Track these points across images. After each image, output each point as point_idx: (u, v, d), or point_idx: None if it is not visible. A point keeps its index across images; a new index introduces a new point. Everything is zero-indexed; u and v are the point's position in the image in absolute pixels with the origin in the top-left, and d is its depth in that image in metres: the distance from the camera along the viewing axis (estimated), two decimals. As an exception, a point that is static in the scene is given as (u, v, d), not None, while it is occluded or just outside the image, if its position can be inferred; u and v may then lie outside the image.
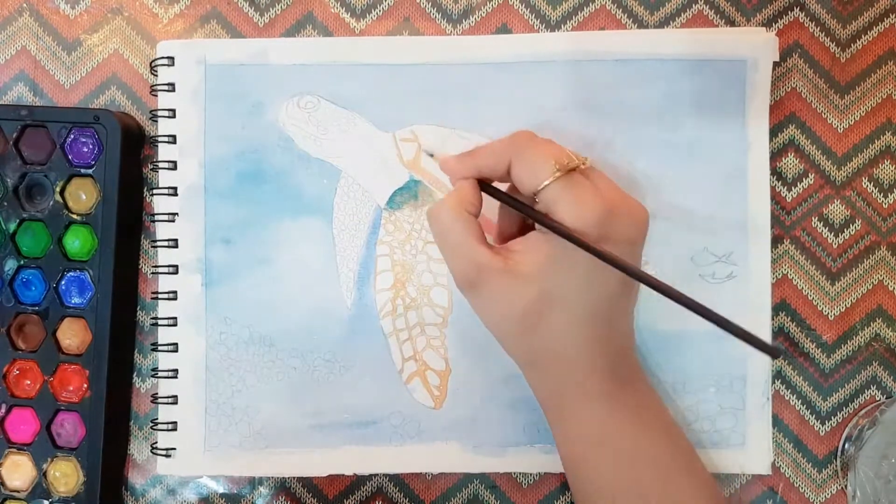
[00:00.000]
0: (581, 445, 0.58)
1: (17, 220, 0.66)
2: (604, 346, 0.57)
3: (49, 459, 0.66)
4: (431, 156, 0.65)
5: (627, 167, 0.65)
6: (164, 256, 0.67)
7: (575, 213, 0.53)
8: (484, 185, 0.58)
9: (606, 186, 0.56)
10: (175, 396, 0.67)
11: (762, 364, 0.65)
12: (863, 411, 0.67)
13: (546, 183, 0.54)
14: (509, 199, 0.58)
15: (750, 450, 0.66)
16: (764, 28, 0.67)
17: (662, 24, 0.67)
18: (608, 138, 0.66)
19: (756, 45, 0.65)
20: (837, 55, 0.67)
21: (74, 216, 0.66)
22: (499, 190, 0.58)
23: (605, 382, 0.57)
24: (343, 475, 0.68)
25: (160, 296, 0.67)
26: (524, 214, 0.57)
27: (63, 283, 0.67)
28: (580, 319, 0.56)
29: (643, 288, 0.53)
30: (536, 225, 0.57)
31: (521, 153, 0.56)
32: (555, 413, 0.59)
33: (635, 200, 0.57)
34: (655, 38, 0.66)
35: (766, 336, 0.65)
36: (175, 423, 0.67)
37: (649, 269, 0.65)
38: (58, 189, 0.66)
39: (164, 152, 0.66)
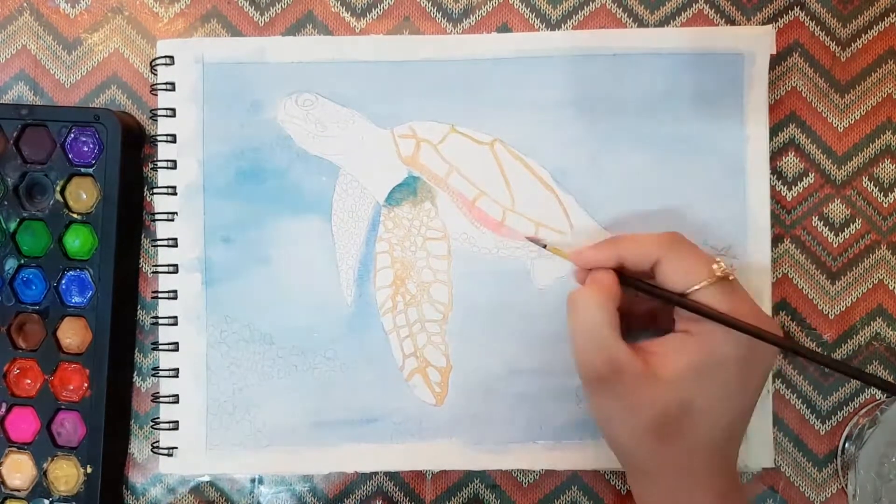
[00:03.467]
0: None
1: (18, 220, 0.66)
2: (727, 463, 0.56)
3: (49, 459, 0.66)
4: (544, 246, 0.65)
5: (626, 160, 0.66)
6: (165, 255, 0.67)
7: (741, 315, 0.53)
8: (624, 277, 0.58)
9: (751, 301, 0.56)
10: (176, 395, 0.66)
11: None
12: (863, 410, 0.67)
13: (702, 285, 0.53)
14: (662, 292, 0.56)
15: (752, 444, 0.66)
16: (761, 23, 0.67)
17: (663, 23, 0.67)
18: (607, 133, 0.66)
19: (753, 38, 0.65)
20: (838, 54, 0.67)
21: (75, 215, 0.66)
22: (646, 282, 0.57)
23: (716, 499, 0.55)
24: (344, 473, 0.68)
25: (160, 295, 0.67)
26: (682, 306, 0.55)
27: (63, 282, 0.67)
28: (718, 434, 0.55)
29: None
30: (676, 327, 0.56)
31: (674, 251, 0.55)
32: None
33: (769, 318, 0.57)
34: (653, 33, 0.67)
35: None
36: (176, 422, 0.67)
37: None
38: (58, 188, 0.66)
39: (164, 151, 0.66)
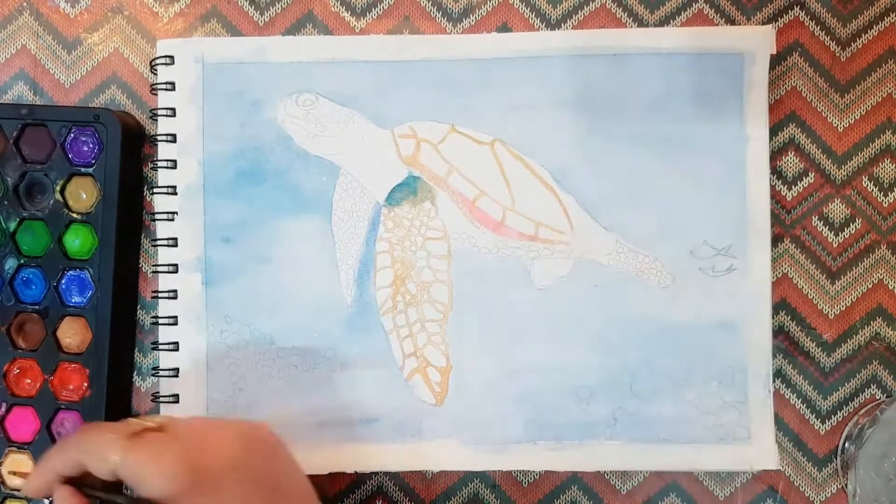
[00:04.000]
0: None
1: (18, 219, 0.67)
2: None
3: (49, 458, 0.66)
4: None
5: (626, 160, 0.66)
6: (165, 255, 0.67)
7: (158, 474, 0.50)
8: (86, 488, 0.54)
9: (190, 428, 0.53)
10: (176, 395, 0.66)
11: (763, 356, 0.66)
12: (863, 410, 0.67)
13: (116, 459, 0.50)
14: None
15: (755, 444, 0.66)
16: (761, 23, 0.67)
17: (662, 22, 0.67)
18: (607, 133, 0.66)
19: (753, 38, 0.65)
20: (838, 54, 0.67)
21: (75, 215, 0.66)
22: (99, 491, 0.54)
23: None
24: (344, 473, 0.68)
25: (160, 295, 0.67)
26: None
27: (63, 281, 0.67)
28: None
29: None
30: None
31: (81, 443, 0.51)
32: None
33: (222, 426, 0.55)
34: (653, 33, 0.67)
35: (765, 330, 0.66)
36: (176, 421, 0.67)
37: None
38: (58, 188, 0.66)
39: (164, 151, 0.66)
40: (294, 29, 0.68)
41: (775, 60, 0.66)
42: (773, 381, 0.66)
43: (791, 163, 0.67)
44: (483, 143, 0.66)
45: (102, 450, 0.50)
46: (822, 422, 0.67)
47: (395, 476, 0.68)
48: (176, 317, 0.67)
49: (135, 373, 0.69)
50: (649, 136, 0.66)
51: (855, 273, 0.67)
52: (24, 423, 0.67)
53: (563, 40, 0.66)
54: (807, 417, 0.67)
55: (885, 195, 0.67)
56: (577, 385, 0.66)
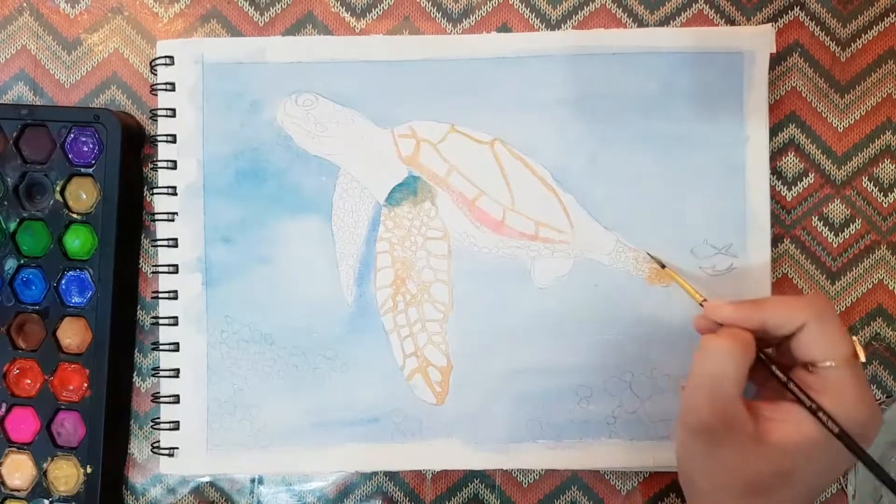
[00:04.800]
0: None
1: (18, 220, 0.67)
2: None
3: (49, 459, 0.66)
4: (663, 266, 0.65)
5: (626, 160, 0.66)
6: (165, 256, 0.67)
7: (852, 408, 0.51)
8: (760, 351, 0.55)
9: (866, 386, 0.54)
10: (177, 395, 0.66)
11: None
12: (863, 410, 0.67)
13: (834, 363, 0.52)
14: (791, 385, 0.53)
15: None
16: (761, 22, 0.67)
17: (662, 23, 0.67)
18: (607, 132, 0.66)
19: (753, 38, 0.65)
20: (837, 54, 0.67)
21: (74, 215, 0.66)
22: (779, 367, 0.54)
23: None
24: (344, 473, 0.68)
25: (160, 295, 0.67)
26: (799, 402, 0.53)
27: (63, 282, 0.67)
28: (802, 501, 0.54)
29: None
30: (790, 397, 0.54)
31: (819, 320, 0.52)
32: None
33: (877, 404, 0.55)
34: (653, 33, 0.67)
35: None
36: (177, 422, 0.67)
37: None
38: (58, 188, 0.66)
39: (164, 151, 0.66)
40: (294, 29, 0.68)
41: (775, 61, 0.66)
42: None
43: (791, 163, 0.67)
44: (483, 143, 0.66)
45: (832, 343, 0.52)
46: (823, 422, 0.67)
47: (394, 476, 0.68)
48: (176, 317, 0.67)
49: (135, 373, 0.69)
50: (649, 136, 0.66)
51: (855, 273, 0.67)
52: (23, 424, 0.67)
53: (562, 40, 0.66)
54: (807, 417, 0.67)
55: (885, 195, 0.67)
56: (577, 384, 0.66)
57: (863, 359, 0.52)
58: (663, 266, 0.64)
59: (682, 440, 0.55)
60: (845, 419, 0.51)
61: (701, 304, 0.58)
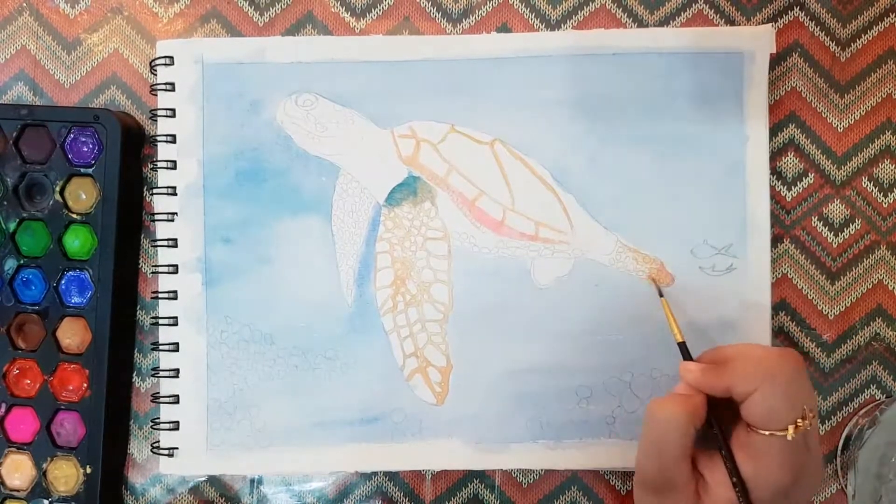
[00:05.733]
0: None
1: (17, 220, 0.67)
2: None
3: (49, 459, 0.66)
4: (661, 295, 0.64)
5: (626, 160, 0.66)
6: (164, 256, 0.67)
7: (773, 477, 0.52)
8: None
9: (805, 454, 0.54)
10: (176, 396, 0.66)
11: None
12: (863, 411, 0.67)
13: (767, 433, 0.52)
14: (727, 454, 0.54)
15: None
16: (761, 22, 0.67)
17: (662, 23, 0.67)
18: (606, 132, 0.66)
19: (753, 37, 0.65)
20: (837, 54, 0.67)
21: (74, 215, 0.66)
22: (720, 433, 0.55)
23: None
24: (344, 473, 0.68)
25: (160, 295, 0.67)
26: (728, 469, 0.54)
27: (63, 282, 0.67)
28: None
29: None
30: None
31: (771, 386, 0.52)
32: None
33: (819, 469, 0.55)
34: (653, 33, 0.67)
35: (765, 329, 0.66)
36: (177, 422, 0.67)
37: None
38: (58, 188, 0.66)
39: (164, 151, 0.66)
40: (294, 29, 0.68)
41: (775, 61, 0.66)
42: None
43: (791, 163, 0.67)
44: (483, 143, 0.66)
45: (778, 414, 0.52)
46: (822, 422, 0.67)
47: (394, 476, 0.68)
48: (176, 317, 0.67)
49: (135, 373, 0.69)
50: (649, 136, 0.66)
51: (855, 273, 0.67)
52: (23, 424, 0.67)
53: (562, 40, 0.66)
54: (807, 418, 0.67)
55: (885, 195, 0.67)
56: (578, 384, 0.66)
57: (790, 437, 0.52)
58: (661, 295, 0.64)
59: (636, 487, 0.57)
60: (763, 485, 0.52)
61: (678, 344, 0.59)
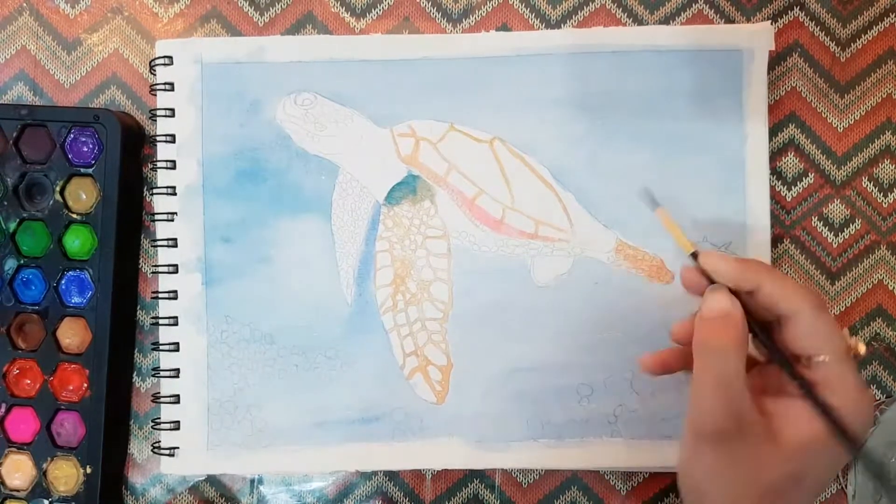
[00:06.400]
0: None
1: (17, 220, 0.67)
2: None
3: (49, 459, 0.66)
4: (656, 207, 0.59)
5: (625, 158, 0.66)
6: (164, 256, 0.67)
7: (850, 406, 0.49)
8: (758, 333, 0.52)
9: (861, 380, 0.52)
10: (177, 395, 0.66)
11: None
12: (863, 410, 0.67)
13: (828, 358, 0.49)
14: (791, 370, 0.51)
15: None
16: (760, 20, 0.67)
17: (662, 22, 0.67)
18: (606, 131, 0.66)
19: (752, 35, 0.65)
20: (837, 54, 0.67)
21: (74, 215, 0.66)
22: (777, 349, 0.52)
23: None
24: (344, 473, 0.68)
25: (160, 295, 0.67)
26: (807, 398, 0.50)
27: (63, 282, 0.67)
28: (812, 501, 0.53)
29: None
30: (789, 391, 0.52)
31: (817, 311, 0.50)
32: None
33: (870, 394, 0.54)
34: (652, 31, 0.67)
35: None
36: (177, 422, 0.67)
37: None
38: (58, 188, 0.66)
39: (163, 151, 0.67)
40: (294, 29, 0.68)
41: (775, 61, 0.66)
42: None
43: (791, 163, 0.67)
44: (482, 142, 0.66)
45: (828, 336, 0.50)
46: (822, 422, 0.67)
47: (394, 476, 0.68)
48: (176, 317, 0.67)
49: (135, 373, 0.69)
50: (648, 134, 0.66)
51: (855, 273, 0.67)
52: (23, 424, 0.67)
53: (561, 38, 0.66)
54: (807, 417, 0.67)
55: (885, 196, 0.67)
56: (578, 383, 0.66)
57: (862, 353, 0.51)
58: (656, 207, 0.57)
59: (692, 448, 0.51)
60: (849, 411, 0.49)
61: (691, 256, 0.54)
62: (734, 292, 0.51)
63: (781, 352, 0.51)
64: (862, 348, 0.51)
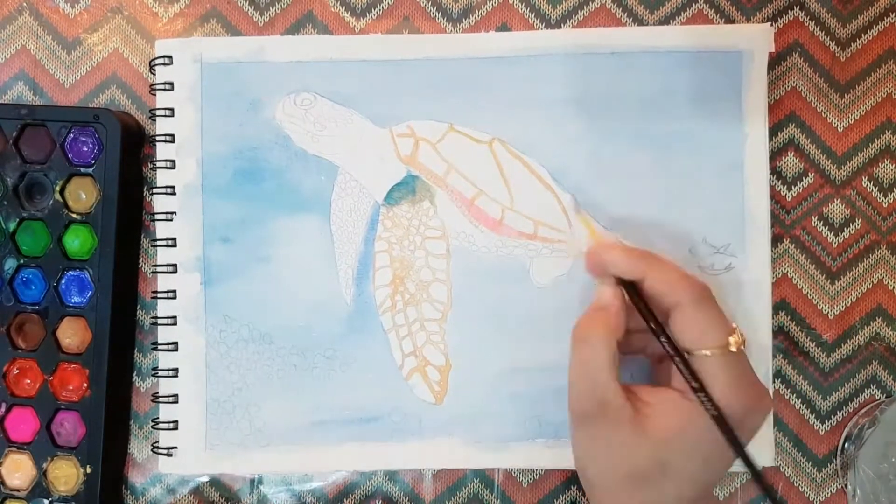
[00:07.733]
0: None
1: (17, 220, 0.67)
2: None
3: (49, 459, 0.66)
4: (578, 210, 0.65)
5: (625, 158, 0.66)
6: (164, 255, 0.67)
7: (727, 398, 0.52)
8: (638, 295, 0.56)
9: (751, 374, 0.55)
10: (176, 395, 0.66)
11: (762, 356, 0.65)
12: (863, 410, 0.67)
13: (712, 352, 0.52)
14: (672, 349, 0.54)
15: (754, 443, 0.65)
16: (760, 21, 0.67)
17: (662, 23, 0.67)
18: (605, 131, 0.66)
19: (752, 36, 0.65)
20: (837, 54, 0.67)
21: (74, 215, 0.66)
22: (660, 326, 0.55)
23: None
24: (344, 473, 0.68)
25: (160, 295, 0.67)
26: (683, 375, 0.53)
27: (63, 282, 0.67)
28: (690, 493, 0.54)
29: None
30: (673, 382, 0.55)
31: (699, 305, 0.53)
32: None
33: (764, 388, 0.55)
34: (652, 32, 0.67)
35: (765, 329, 0.66)
36: (176, 421, 0.67)
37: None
38: (58, 188, 0.66)
39: (163, 151, 0.67)
40: (294, 29, 0.68)
41: (775, 61, 0.66)
42: (773, 381, 0.66)
43: (791, 163, 0.67)
44: (482, 142, 0.66)
45: (707, 330, 0.53)
46: (822, 422, 0.67)
47: (394, 476, 0.68)
48: (175, 317, 0.67)
49: (134, 373, 0.69)
50: (648, 134, 0.66)
51: (855, 273, 0.67)
52: (23, 424, 0.67)
53: (561, 39, 0.66)
54: (806, 418, 0.67)
55: (885, 195, 0.67)
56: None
57: (734, 349, 0.52)
58: (578, 210, 0.64)
59: (571, 427, 0.57)
60: (725, 403, 0.51)
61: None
62: (635, 283, 0.56)
63: (670, 343, 0.54)
64: (736, 343, 0.52)
